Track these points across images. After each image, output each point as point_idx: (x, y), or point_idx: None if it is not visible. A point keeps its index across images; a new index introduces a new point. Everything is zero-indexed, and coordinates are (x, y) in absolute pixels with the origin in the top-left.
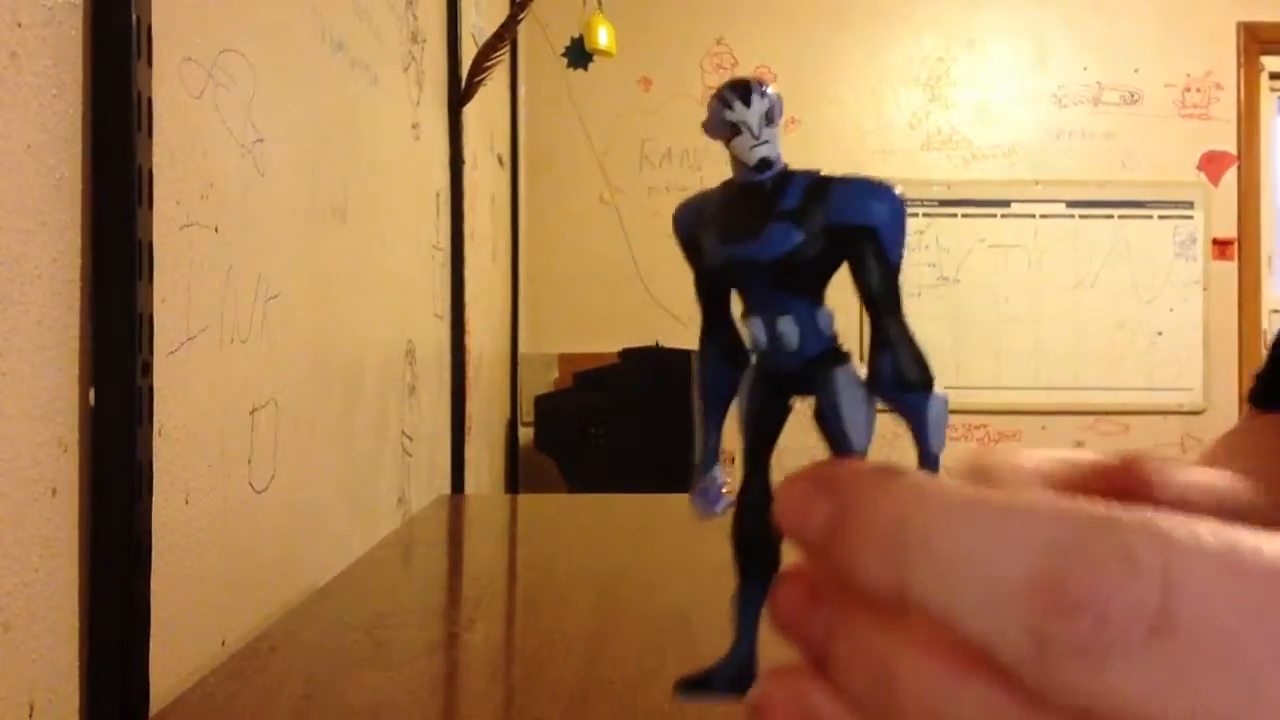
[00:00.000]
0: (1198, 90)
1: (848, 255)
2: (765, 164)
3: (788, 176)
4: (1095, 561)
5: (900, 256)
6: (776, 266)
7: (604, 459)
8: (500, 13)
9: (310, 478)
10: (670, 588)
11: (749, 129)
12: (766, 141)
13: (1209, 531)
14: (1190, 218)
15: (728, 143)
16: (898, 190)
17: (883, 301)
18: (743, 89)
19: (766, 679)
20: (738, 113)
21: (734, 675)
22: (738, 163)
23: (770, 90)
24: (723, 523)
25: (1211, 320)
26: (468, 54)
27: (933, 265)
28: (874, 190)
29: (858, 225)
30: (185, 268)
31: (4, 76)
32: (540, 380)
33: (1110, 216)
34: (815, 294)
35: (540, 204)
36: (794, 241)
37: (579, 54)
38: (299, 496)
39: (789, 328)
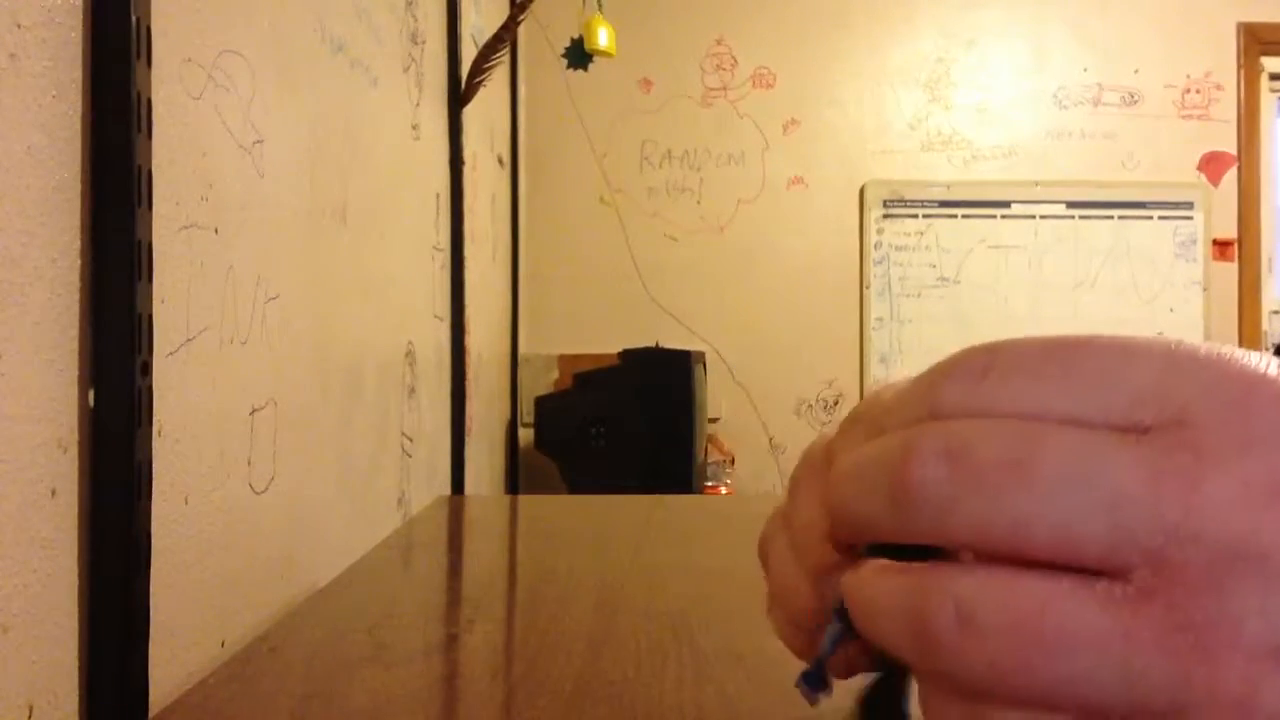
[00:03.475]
0: (1198, 91)
1: None
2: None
3: None
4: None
5: None
6: None
7: (604, 459)
8: (500, 14)
9: (310, 478)
10: (670, 588)
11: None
12: None
13: None
14: (1190, 218)
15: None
16: None
17: None
18: None
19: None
20: None
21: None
22: None
23: None
24: (723, 524)
25: (1212, 321)
26: (468, 55)
27: (933, 266)
28: None
29: None
30: (185, 269)
31: (3, 78)
32: (540, 381)
33: (1110, 217)
34: None
35: (540, 204)
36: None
37: (579, 55)
38: (299, 497)
39: None
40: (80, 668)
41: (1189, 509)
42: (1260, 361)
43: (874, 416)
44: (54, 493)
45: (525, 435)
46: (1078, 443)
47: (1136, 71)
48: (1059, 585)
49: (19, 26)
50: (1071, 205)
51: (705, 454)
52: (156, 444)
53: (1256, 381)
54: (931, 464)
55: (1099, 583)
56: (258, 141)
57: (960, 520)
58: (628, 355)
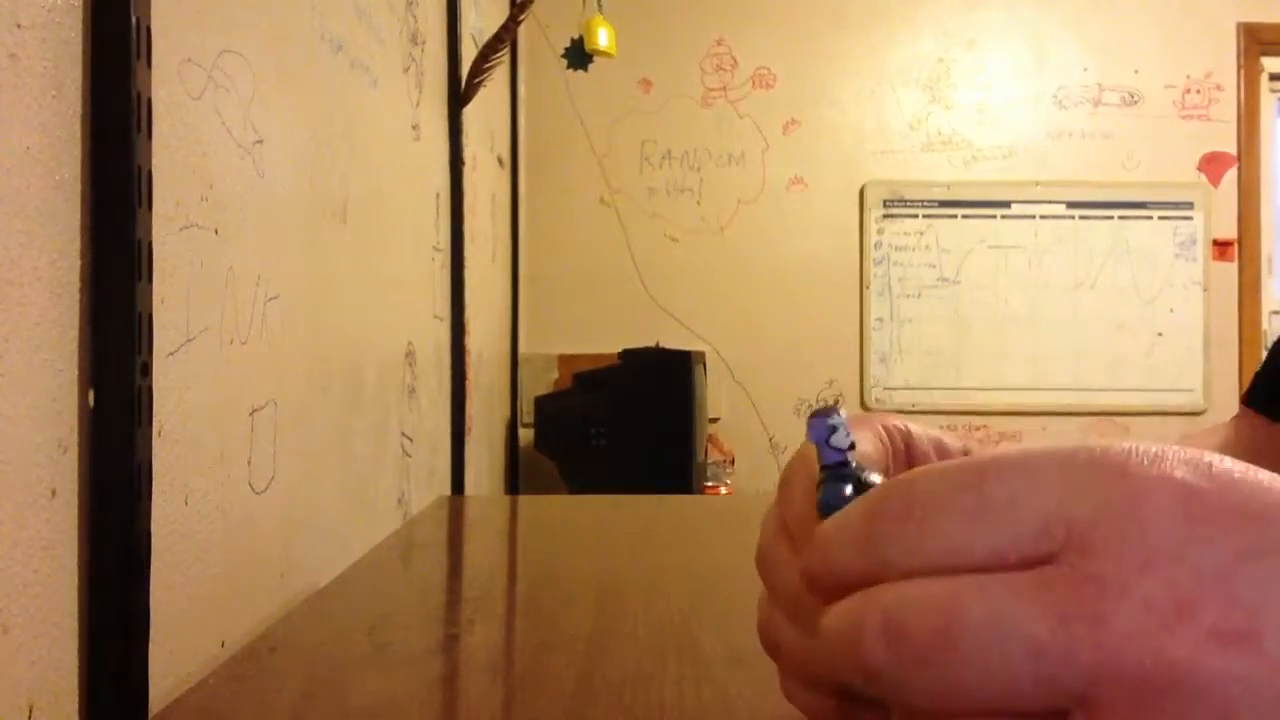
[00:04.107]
0: (1198, 91)
1: None
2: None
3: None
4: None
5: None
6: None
7: (604, 459)
8: (500, 14)
9: (310, 479)
10: (671, 589)
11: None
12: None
13: None
14: (1190, 219)
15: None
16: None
17: None
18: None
19: None
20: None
21: None
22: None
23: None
24: (723, 524)
25: (1212, 321)
26: (468, 55)
27: (933, 266)
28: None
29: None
30: (185, 269)
31: (3, 78)
32: (540, 381)
33: (1110, 217)
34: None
35: (540, 205)
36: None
37: (579, 55)
38: (299, 497)
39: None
40: (80, 668)
41: (1101, 647)
42: (1156, 465)
43: (798, 517)
44: (54, 493)
45: (525, 435)
46: (992, 597)
47: (1136, 71)
48: None
49: (19, 26)
50: (1071, 205)
51: (705, 454)
52: (156, 444)
53: (1147, 494)
54: (877, 649)
55: None
56: (258, 141)
57: (913, 691)
58: (628, 355)
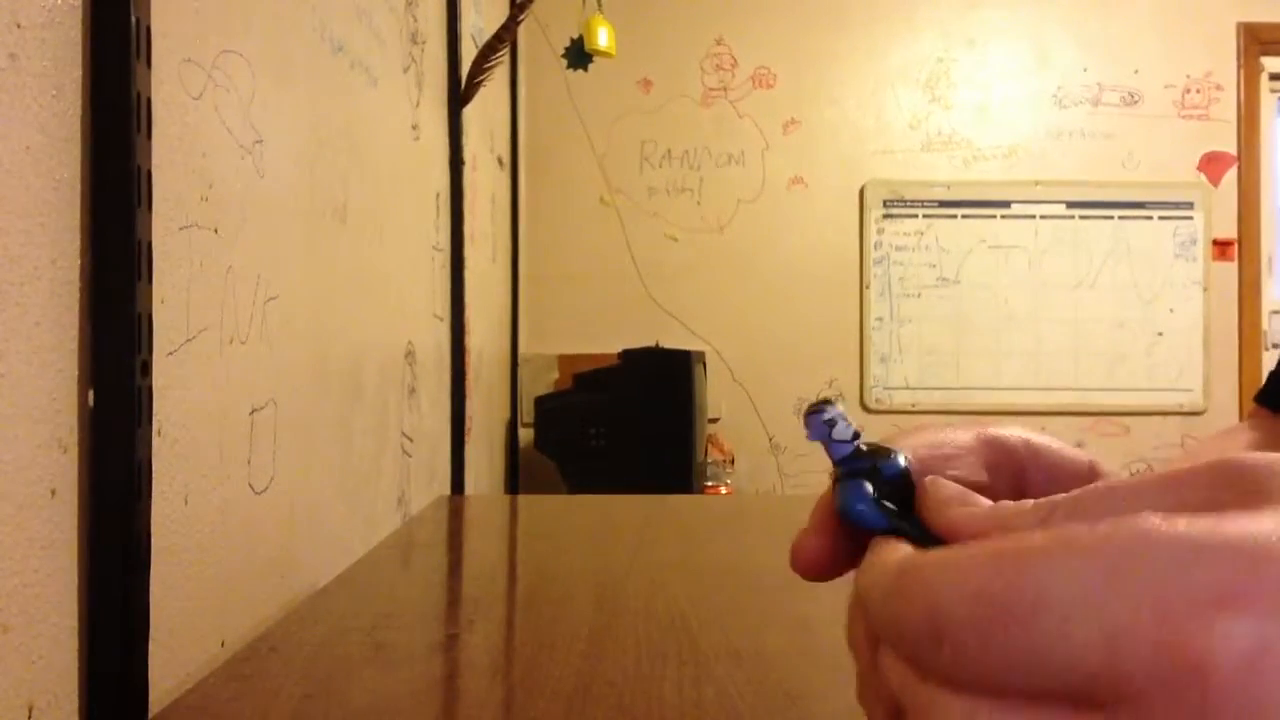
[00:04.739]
0: (1198, 91)
1: None
2: (856, 435)
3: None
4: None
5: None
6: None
7: (604, 459)
8: (500, 14)
9: (310, 478)
10: (670, 588)
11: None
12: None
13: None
14: (1190, 218)
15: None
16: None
17: None
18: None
19: None
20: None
21: None
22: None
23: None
24: (723, 523)
25: (1212, 321)
26: (468, 55)
27: (933, 266)
28: None
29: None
30: (185, 268)
31: (3, 78)
32: (540, 381)
33: (1110, 217)
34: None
35: (540, 205)
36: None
37: (579, 55)
38: (298, 497)
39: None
40: (80, 668)
41: None
42: (1207, 631)
43: (861, 644)
44: (54, 493)
45: (525, 435)
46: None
47: (1136, 71)
48: None
49: (19, 26)
50: (1071, 205)
51: (705, 454)
52: (156, 444)
53: (1207, 668)
54: None
55: None
56: (258, 141)
57: None
58: (628, 355)
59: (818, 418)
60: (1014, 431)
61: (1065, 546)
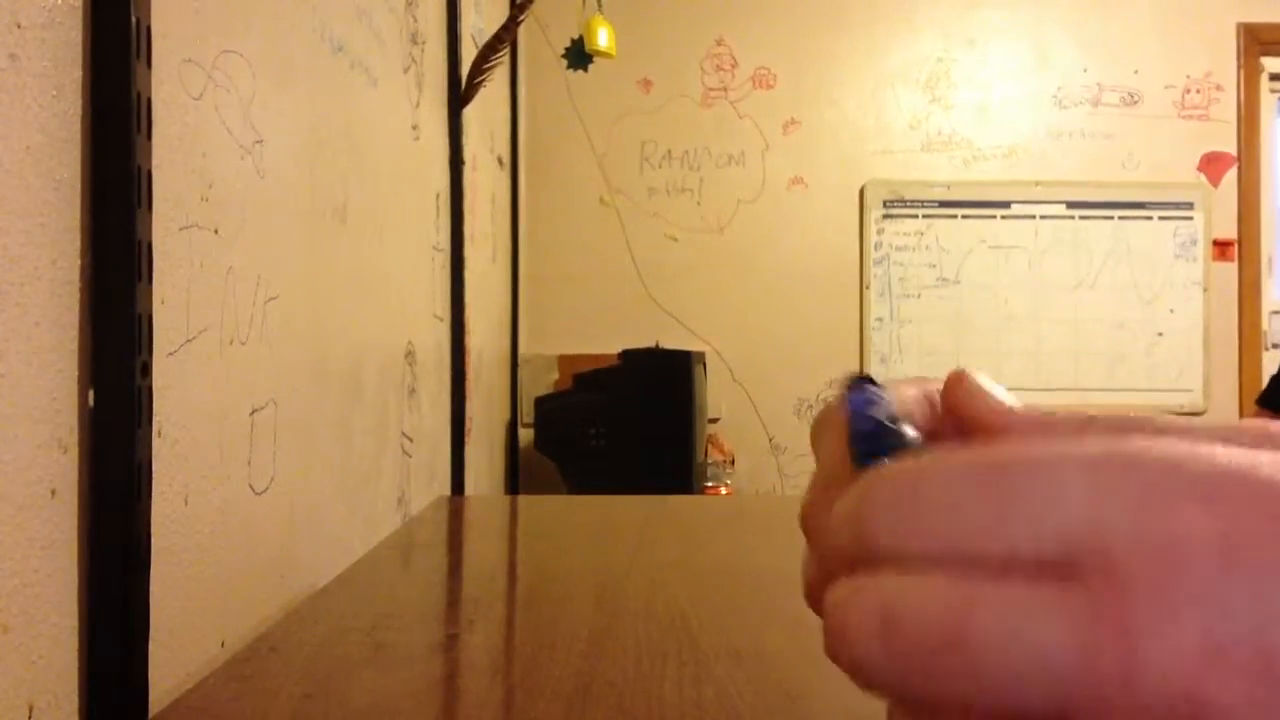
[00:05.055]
0: (1198, 91)
1: None
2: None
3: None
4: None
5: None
6: None
7: (604, 459)
8: (500, 14)
9: (310, 479)
10: (670, 588)
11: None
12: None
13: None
14: (1190, 219)
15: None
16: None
17: None
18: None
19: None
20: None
21: None
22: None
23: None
24: (723, 524)
25: (1212, 321)
26: (468, 55)
27: (933, 266)
28: None
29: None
30: (185, 269)
31: (3, 78)
32: (540, 381)
33: (1110, 217)
34: None
35: (540, 205)
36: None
37: (579, 55)
38: (299, 498)
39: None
40: (80, 668)
41: (1127, 678)
42: (1192, 492)
43: (817, 526)
44: (54, 493)
45: (525, 435)
46: (1011, 607)
47: (1136, 72)
48: None
49: (19, 26)
50: (1071, 205)
51: (705, 454)
52: (156, 444)
53: (1186, 530)
54: (872, 642)
55: None
56: (258, 141)
57: (905, 689)
58: (628, 355)
59: (860, 394)
60: (932, 387)
61: (1079, 443)
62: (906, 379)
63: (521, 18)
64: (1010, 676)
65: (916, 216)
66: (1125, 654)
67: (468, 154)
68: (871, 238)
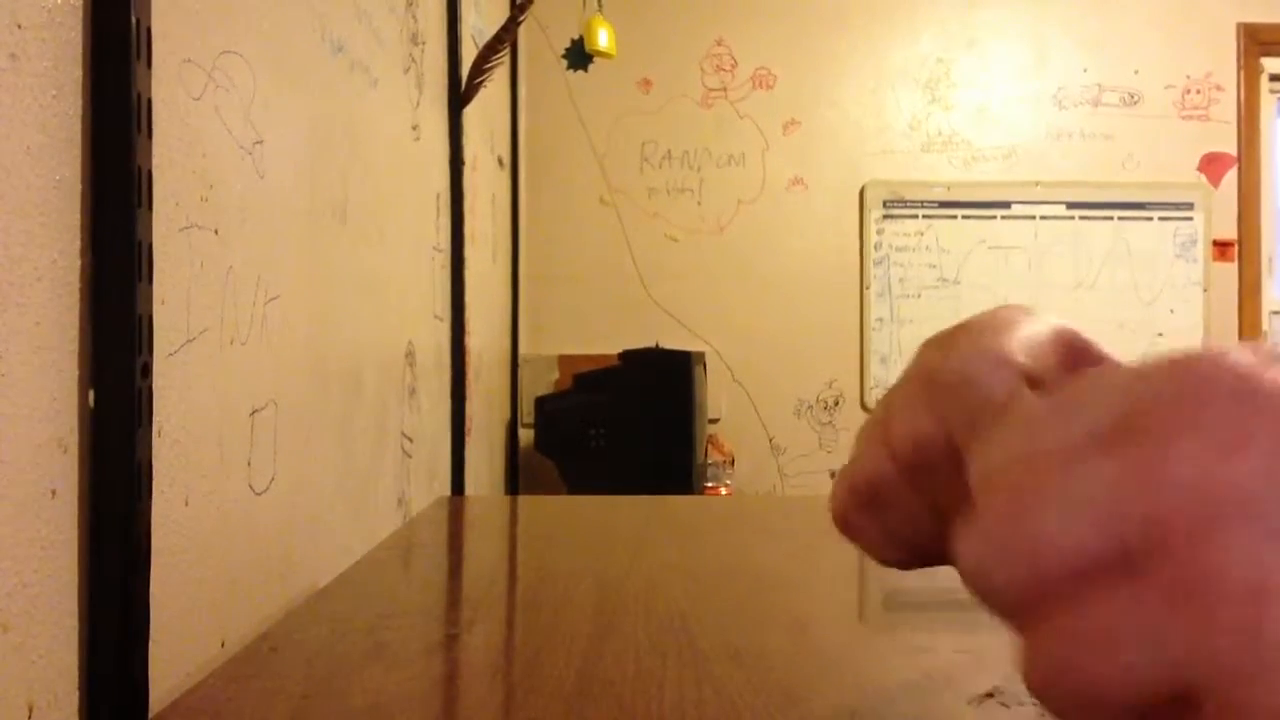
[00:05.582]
0: (1198, 91)
1: None
2: None
3: None
4: None
5: None
6: None
7: (604, 460)
8: (500, 14)
9: (310, 479)
10: (670, 588)
11: None
12: None
13: None
14: (1190, 219)
15: None
16: None
17: None
18: None
19: None
20: None
21: None
22: None
23: None
24: (723, 524)
25: (1212, 322)
26: (468, 56)
27: (933, 266)
28: None
29: None
30: (185, 269)
31: (3, 78)
32: (540, 381)
33: (1110, 218)
34: None
35: (540, 205)
36: None
37: (579, 55)
38: (299, 498)
39: None
40: (80, 668)
41: (1254, 636)
42: (1218, 363)
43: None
44: (54, 493)
45: (525, 436)
46: (1066, 466)
47: (1136, 72)
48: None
49: (19, 26)
50: (1071, 206)
51: (705, 454)
52: (156, 444)
53: (1207, 378)
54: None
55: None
56: (258, 142)
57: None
58: (628, 356)
59: None
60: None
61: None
62: (1044, 318)
63: (521, 18)
64: (1125, 675)
65: (916, 217)
66: (1153, 472)
67: (468, 154)
68: (871, 238)
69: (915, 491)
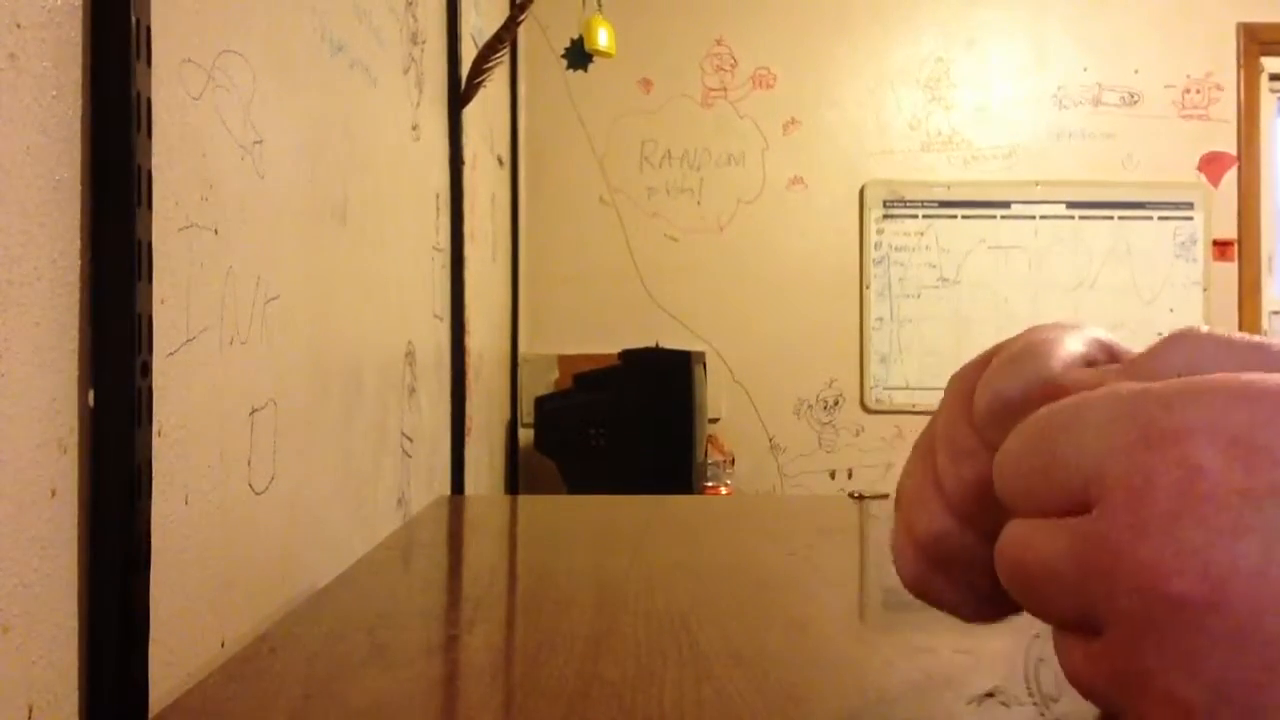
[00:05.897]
0: (1198, 91)
1: None
2: None
3: None
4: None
5: None
6: None
7: (604, 460)
8: (500, 14)
9: (310, 479)
10: (670, 588)
11: None
12: None
13: None
14: (1190, 219)
15: None
16: None
17: None
18: None
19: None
20: None
21: None
22: None
23: None
24: (723, 524)
25: (1212, 321)
26: (468, 55)
27: (933, 266)
28: None
29: None
30: (185, 269)
31: (3, 78)
32: (540, 381)
33: (1110, 217)
34: None
35: (540, 205)
36: None
37: (579, 55)
38: (299, 498)
39: None
40: (80, 668)
41: (1109, 576)
42: (1166, 434)
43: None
44: (54, 493)
45: (525, 435)
46: (1036, 537)
47: (1136, 71)
48: None
49: (19, 26)
50: (1071, 205)
51: (705, 454)
52: (156, 444)
53: (1156, 463)
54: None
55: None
56: (258, 141)
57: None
58: (628, 355)
59: None
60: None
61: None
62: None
63: (521, 18)
64: (1039, 587)
65: (916, 216)
66: (1110, 559)
67: (468, 154)
68: (871, 238)
69: (985, 540)
